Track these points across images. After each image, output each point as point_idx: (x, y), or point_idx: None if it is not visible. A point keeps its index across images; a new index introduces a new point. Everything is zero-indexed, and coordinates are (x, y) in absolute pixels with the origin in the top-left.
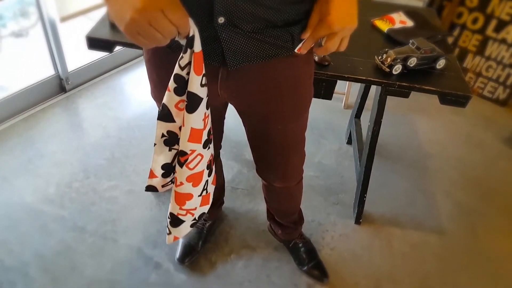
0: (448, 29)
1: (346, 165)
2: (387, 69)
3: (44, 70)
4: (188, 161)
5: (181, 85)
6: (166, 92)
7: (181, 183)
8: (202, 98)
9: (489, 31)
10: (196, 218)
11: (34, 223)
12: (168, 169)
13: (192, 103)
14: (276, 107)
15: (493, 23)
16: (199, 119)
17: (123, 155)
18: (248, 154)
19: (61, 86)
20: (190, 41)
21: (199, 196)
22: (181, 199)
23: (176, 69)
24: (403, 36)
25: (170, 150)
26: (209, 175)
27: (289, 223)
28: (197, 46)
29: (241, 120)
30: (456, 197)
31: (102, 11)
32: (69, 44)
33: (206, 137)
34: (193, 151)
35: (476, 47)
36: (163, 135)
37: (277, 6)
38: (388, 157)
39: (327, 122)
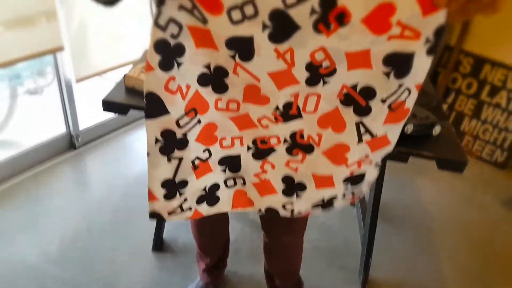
0: (444, 94)
1: (350, 226)
2: None
3: (56, 127)
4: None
5: (167, 54)
6: (146, 74)
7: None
8: (253, 35)
9: (483, 96)
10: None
11: (33, 285)
12: (170, 188)
13: (244, 50)
14: None
15: (487, 88)
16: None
17: (128, 213)
18: (252, 213)
19: (71, 143)
20: None
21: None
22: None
23: (155, 34)
24: None
25: (169, 160)
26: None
27: (291, 287)
28: None
29: None
30: (459, 261)
31: (117, 73)
32: (81, 101)
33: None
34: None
35: (471, 111)
36: (156, 140)
37: None
38: (391, 219)
39: None
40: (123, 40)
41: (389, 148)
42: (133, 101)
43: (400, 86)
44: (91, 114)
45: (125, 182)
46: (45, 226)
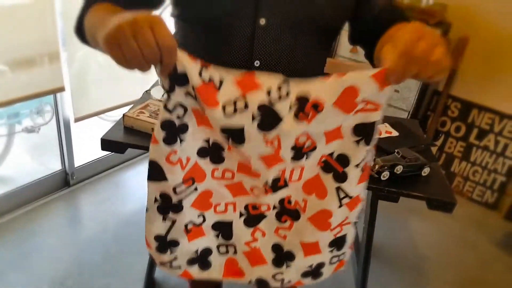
0: (434, 136)
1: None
2: (376, 175)
3: (51, 164)
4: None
5: (171, 132)
6: (151, 145)
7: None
8: (244, 125)
9: (472, 139)
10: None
11: None
12: (162, 243)
13: (236, 136)
14: None
15: (475, 132)
16: (259, 145)
17: (119, 252)
18: None
19: (65, 181)
20: (180, 79)
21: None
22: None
23: (163, 115)
24: (389, 145)
25: (164, 219)
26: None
27: None
28: (196, 81)
29: None
30: None
31: (115, 113)
32: (77, 136)
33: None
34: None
35: (461, 153)
36: (155, 199)
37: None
38: (385, 259)
39: None
40: (123, 82)
41: (362, 205)
42: (131, 140)
43: (367, 151)
44: (87, 151)
45: (117, 220)
46: (36, 264)
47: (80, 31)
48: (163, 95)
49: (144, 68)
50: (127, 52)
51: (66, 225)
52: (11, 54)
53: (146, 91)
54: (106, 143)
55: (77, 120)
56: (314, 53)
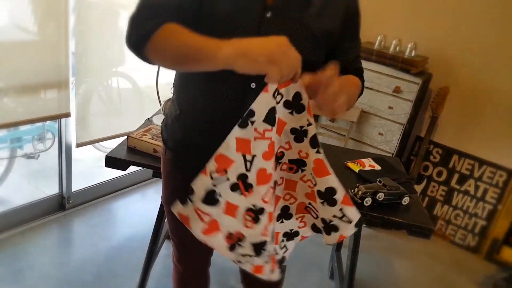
0: (417, 180)
1: None
2: (359, 201)
3: (47, 190)
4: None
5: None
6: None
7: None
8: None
9: (453, 183)
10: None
11: None
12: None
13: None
14: None
15: (456, 177)
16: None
17: (109, 273)
18: (233, 280)
19: (61, 204)
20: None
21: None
22: None
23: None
24: (372, 176)
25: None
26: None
27: None
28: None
29: None
30: None
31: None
32: (74, 165)
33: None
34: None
35: (443, 196)
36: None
37: None
38: None
39: (309, 255)
40: (121, 114)
41: None
42: (133, 159)
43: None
44: (82, 177)
45: (109, 244)
46: (29, 281)
47: (143, 49)
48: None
49: (285, 79)
50: (282, 68)
51: (59, 245)
52: (24, 80)
53: (148, 118)
54: (110, 160)
55: (78, 145)
56: (312, 58)
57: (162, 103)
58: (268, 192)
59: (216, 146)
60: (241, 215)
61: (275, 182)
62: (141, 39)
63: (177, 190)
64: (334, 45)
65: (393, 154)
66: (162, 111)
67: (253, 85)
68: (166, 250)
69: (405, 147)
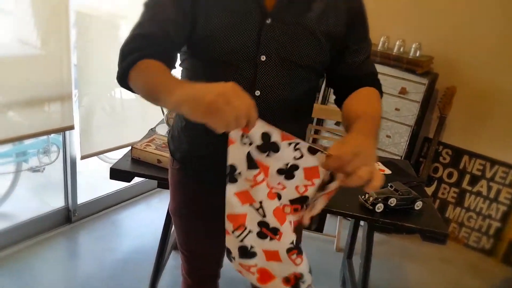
0: (426, 182)
1: None
2: (371, 207)
3: (53, 203)
4: None
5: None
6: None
7: None
8: None
9: (465, 185)
10: None
11: None
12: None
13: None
14: None
15: (467, 178)
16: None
17: (115, 286)
18: None
19: (67, 217)
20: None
21: None
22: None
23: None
24: None
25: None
26: None
27: None
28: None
29: None
30: None
31: (121, 151)
32: (79, 178)
33: None
34: None
35: (454, 198)
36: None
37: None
38: None
39: (319, 264)
40: (125, 125)
41: None
42: (137, 170)
43: None
44: (87, 190)
45: (114, 257)
46: None
47: (125, 81)
48: (166, 132)
49: (232, 128)
50: (224, 118)
51: (66, 259)
52: (28, 93)
53: (151, 128)
54: (114, 172)
55: (83, 157)
56: (307, 86)
57: (165, 113)
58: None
59: (223, 156)
60: (286, 257)
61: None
62: (122, 73)
63: (185, 201)
64: (341, 47)
65: (401, 156)
66: (165, 121)
67: (257, 93)
68: (174, 260)
69: (413, 149)
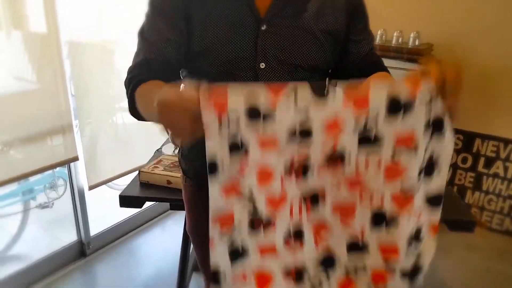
0: None
1: None
2: None
3: (65, 238)
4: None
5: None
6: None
7: None
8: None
9: (480, 168)
10: None
11: None
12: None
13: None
14: None
15: (482, 160)
16: None
17: None
18: None
19: (81, 251)
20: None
21: None
22: None
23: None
24: None
25: None
26: None
27: None
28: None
29: None
30: None
31: (129, 177)
32: (89, 209)
33: None
34: None
35: (472, 183)
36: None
37: None
38: None
39: None
40: (129, 150)
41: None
42: (147, 194)
43: None
44: (99, 220)
45: (134, 286)
46: None
47: (135, 110)
48: (174, 151)
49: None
50: (172, 123)
51: None
52: (28, 130)
53: (157, 149)
54: (124, 200)
55: (91, 187)
56: (320, 60)
57: (170, 132)
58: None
59: None
60: (282, 247)
61: (311, 197)
62: (129, 104)
63: (201, 218)
64: (343, 42)
65: None
66: (170, 140)
67: (262, 65)
68: (196, 282)
69: None
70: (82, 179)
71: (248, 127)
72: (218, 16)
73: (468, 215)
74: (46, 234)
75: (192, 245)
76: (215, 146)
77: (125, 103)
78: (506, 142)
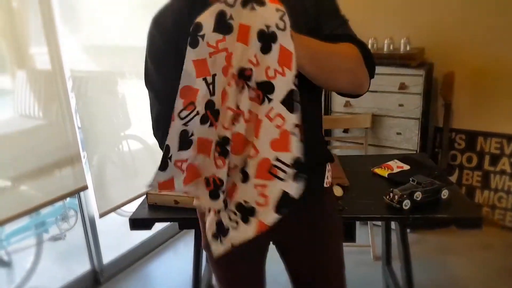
0: (447, 172)
1: None
2: (398, 205)
3: (79, 268)
4: None
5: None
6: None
7: None
8: None
9: (486, 166)
10: None
11: None
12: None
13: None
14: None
15: (487, 159)
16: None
17: None
18: None
19: (95, 280)
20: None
21: None
22: None
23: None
24: (403, 177)
25: None
26: None
27: None
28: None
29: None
30: None
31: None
32: (101, 236)
33: None
34: None
35: (480, 182)
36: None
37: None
38: None
39: (360, 276)
40: (136, 177)
41: None
42: (156, 215)
43: None
44: (111, 248)
45: None
46: None
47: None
48: None
49: None
50: None
51: None
52: (37, 163)
53: None
54: (134, 222)
55: (101, 215)
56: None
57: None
58: (227, 115)
59: None
60: (213, 152)
61: (240, 113)
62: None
63: None
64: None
65: (416, 150)
66: None
67: None
68: None
69: (426, 141)
70: (92, 207)
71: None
72: None
73: (475, 212)
74: (60, 266)
75: (205, 264)
76: (212, 8)
77: (130, 130)
78: (509, 138)
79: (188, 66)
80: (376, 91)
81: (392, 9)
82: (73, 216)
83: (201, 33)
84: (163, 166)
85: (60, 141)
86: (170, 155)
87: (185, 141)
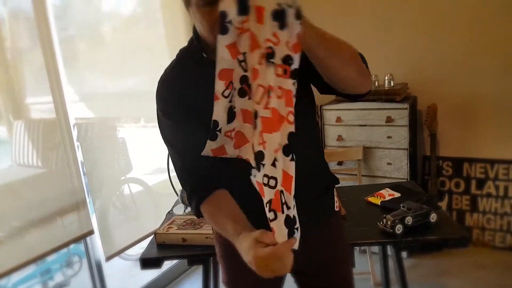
0: (438, 197)
1: None
2: (391, 230)
3: None
4: None
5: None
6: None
7: None
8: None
9: (473, 190)
10: None
11: None
12: None
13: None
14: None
15: (474, 183)
16: None
17: None
18: None
19: None
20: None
21: None
22: None
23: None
24: (394, 204)
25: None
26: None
27: None
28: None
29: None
30: None
31: (141, 248)
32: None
33: None
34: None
35: (468, 206)
36: None
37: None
38: None
39: None
40: (139, 219)
41: None
42: (165, 254)
43: None
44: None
45: None
46: None
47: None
48: (184, 210)
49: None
50: (273, 272)
51: None
52: (42, 211)
53: (168, 212)
54: (145, 262)
55: (108, 258)
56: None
57: (179, 193)
58: (259, 92)
59: (262, 208)
60: (255, 120)
61: (269, 89)
62: (196, 213)
63: (239, 267)
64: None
65: (407, 179)
66: (180, 201)
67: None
68: None
69: (416, 170)
70: (98, 251)
71: None
72: (202, 94)
73: (461, 232)
74: None
75: None
76: None
77: (131, 174)
78: (492, 162)
79: (223, 51)
80: (365, 125)
81: (376, 48)
82: (77, 261)
83: (228, 19)
84: (213, 137)
85: (65, 188)
86: (219, 128)
87: (231, 114)
